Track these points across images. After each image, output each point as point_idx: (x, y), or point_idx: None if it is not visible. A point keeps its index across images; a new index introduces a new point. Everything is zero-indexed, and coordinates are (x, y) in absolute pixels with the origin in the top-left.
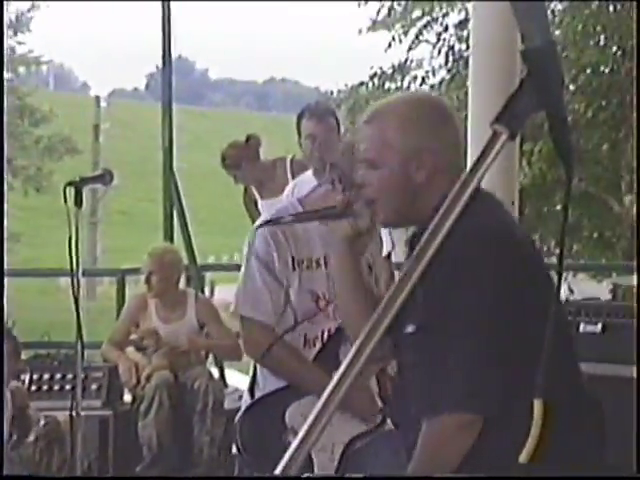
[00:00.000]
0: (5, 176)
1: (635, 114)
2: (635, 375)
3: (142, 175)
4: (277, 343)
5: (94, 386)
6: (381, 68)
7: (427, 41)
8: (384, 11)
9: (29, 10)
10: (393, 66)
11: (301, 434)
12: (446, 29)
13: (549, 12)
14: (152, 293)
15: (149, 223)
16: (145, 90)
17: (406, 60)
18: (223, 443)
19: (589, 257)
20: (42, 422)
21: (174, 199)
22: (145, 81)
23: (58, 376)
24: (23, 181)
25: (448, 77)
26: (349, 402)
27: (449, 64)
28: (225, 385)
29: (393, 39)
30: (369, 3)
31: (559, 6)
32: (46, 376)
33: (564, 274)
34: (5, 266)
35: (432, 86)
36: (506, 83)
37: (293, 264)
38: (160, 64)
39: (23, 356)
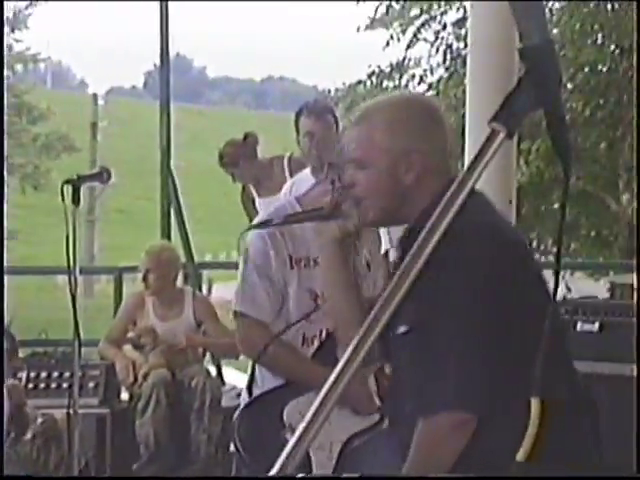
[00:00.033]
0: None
1: (635, 113)
2: (635, 374)
3: (140, 173)
4: (274, 342)
5: (91, 384)
6: (379, 66)
7: (425, 39)
8: (382, 9)
9: (26, 7)
10: (391, 64)
11: (299, 432)
12: (444, 27)
13: (547, 10)
14: (149, 291)
15: (147, 221)
16: (143, 88)
17: (404, 58)
18: (220, 441)
19: (587, 255)
20: (39, 420)
21: (172, 197)
22: (143, 79)
23: (55, 374)
24: (20, 179)
25: (446, 75)
26: (347, 398)
27: (447, 62)
28: (222, 383)
29: (391, 37)
30: (367, 2)
31: (557, 4)
32: (43, 374)
33: (561, 272)
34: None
35: (430, 84)
36: (504, 81)
37: (291, 262)
38: (158, 62)
39: (20, 354)
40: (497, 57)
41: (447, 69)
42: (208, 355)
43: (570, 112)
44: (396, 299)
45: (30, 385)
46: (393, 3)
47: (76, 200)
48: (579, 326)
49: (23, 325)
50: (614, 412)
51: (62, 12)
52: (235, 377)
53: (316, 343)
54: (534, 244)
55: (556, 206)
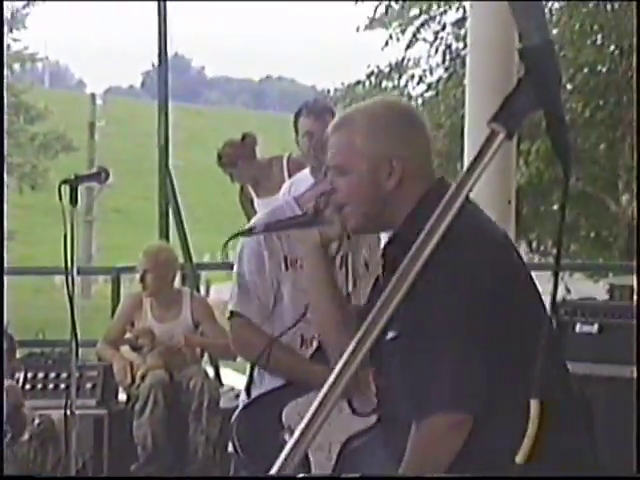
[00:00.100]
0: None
1: (635, 114)
2: (634, 375)
3: (138, 173)
4: (273, 345)
5: (89, 385)
6: (378, 67)
7: (424, 39)
8: (381, 9)
9: (24, 7)
10: (390, 65)
11: (297, 433)
12: (443, 27)
13: (547, 11)
14: (147, 292)
15: (144, 221)
16: (141, 88)
17: (403, 59)
18: (218, 442)
19: (586, 257)
20: (36, 421)
21: (170, 197)
22: (141, 79)
23: (53, 375)
24: (18, 178)
25: (445, 76)
26: (350, 394)
27: (446, 63)
28: (220, 384)
29: (390, 37)
30: (366, 2)
31: (556, 5)
32: (41, 375)
33: (561, 274)
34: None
35: (429, 85)
36: (504, 82)
37: (286, 263)
38: (156, 62)
39: (18, 354)
40: (497, 57)
41: (446, 69)
42: (206, 356)
43: (570, 113)
44: (394, 302)
45: (27, 386)
46: (392, 3)
47: (74, 200)
48: (578, 328)
49: (20, 325)
50: (613, 414)
51: (60, 12)
52: (233, 378)
53: (315, 344)
54: (534, 245)
55: (556, 207)
